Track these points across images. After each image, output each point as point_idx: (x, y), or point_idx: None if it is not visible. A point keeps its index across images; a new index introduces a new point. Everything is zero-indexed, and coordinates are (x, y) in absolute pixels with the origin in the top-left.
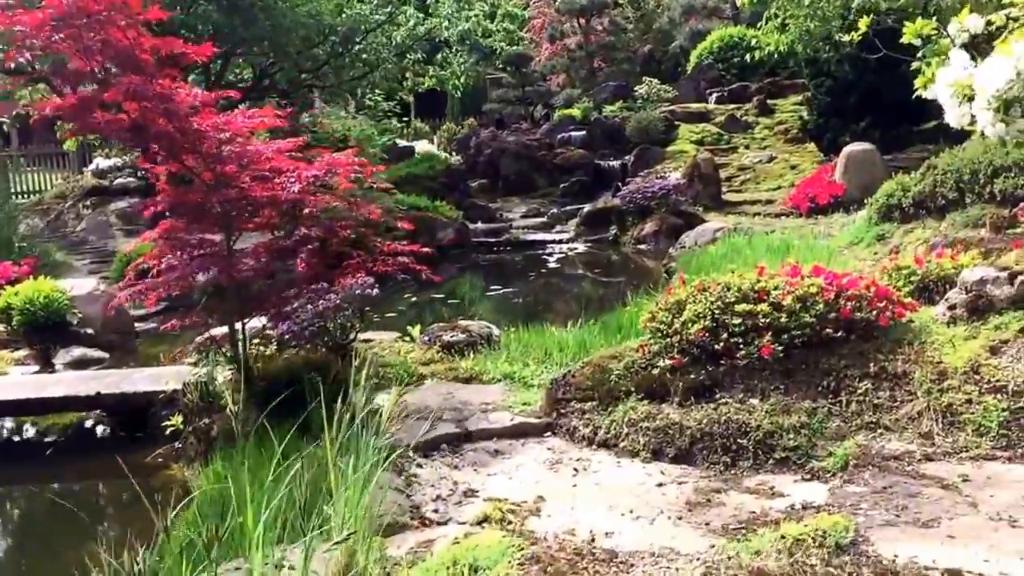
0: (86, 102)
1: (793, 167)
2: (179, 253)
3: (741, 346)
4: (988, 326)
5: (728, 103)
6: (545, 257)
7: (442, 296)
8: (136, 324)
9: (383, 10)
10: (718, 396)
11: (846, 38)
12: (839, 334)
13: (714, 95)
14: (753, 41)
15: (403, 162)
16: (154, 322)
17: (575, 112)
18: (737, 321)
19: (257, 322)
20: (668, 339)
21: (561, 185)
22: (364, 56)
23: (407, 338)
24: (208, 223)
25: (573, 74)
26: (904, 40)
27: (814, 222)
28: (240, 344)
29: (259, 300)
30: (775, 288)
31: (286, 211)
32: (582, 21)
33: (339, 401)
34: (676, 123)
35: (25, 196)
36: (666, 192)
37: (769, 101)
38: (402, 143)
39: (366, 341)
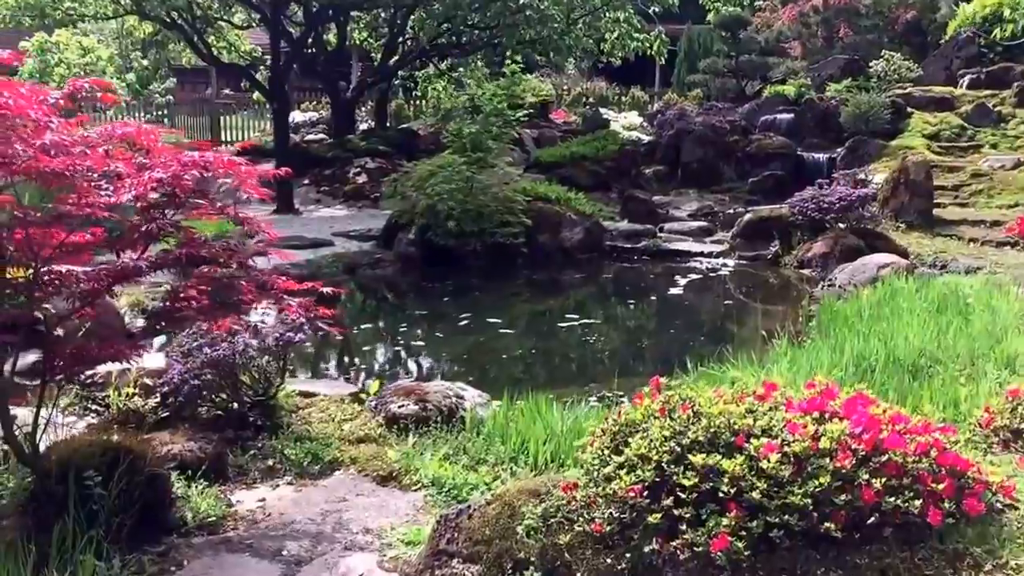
0: None
1: None
2: None
3: (687, 526)
4: None
5: (983, 88)
6: (678, 276)
7: (499, 320)
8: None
9: None
10: None
11: None
12: (862, 529)
13: (967, 77)
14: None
15: (576, 139)
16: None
17: (788, 90)
18: (691, 481)
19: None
20: (597, 487)
21: (750, 179)
22: (528, 13)
23: (363, 395)
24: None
25: (808, 43)
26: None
27: None
28: (21, 418)
29: (60, 352)
30: (763, 432)
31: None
32: None
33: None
34: (909, 110)
35: (230, 145)
36: (849, 203)
37: None
38: (608, 114)
39: (308, 396)
